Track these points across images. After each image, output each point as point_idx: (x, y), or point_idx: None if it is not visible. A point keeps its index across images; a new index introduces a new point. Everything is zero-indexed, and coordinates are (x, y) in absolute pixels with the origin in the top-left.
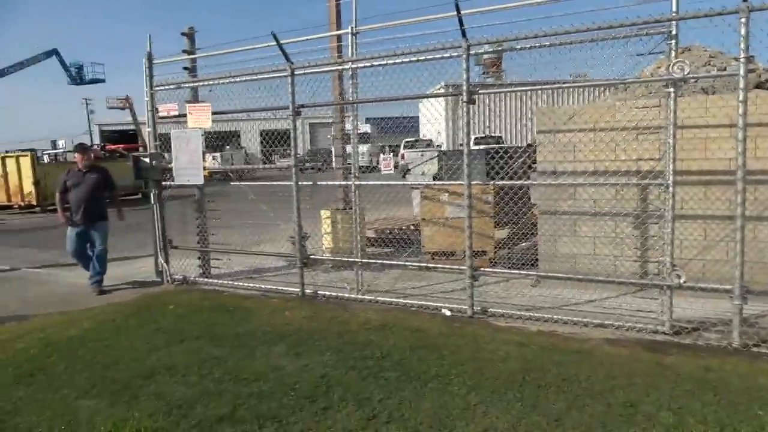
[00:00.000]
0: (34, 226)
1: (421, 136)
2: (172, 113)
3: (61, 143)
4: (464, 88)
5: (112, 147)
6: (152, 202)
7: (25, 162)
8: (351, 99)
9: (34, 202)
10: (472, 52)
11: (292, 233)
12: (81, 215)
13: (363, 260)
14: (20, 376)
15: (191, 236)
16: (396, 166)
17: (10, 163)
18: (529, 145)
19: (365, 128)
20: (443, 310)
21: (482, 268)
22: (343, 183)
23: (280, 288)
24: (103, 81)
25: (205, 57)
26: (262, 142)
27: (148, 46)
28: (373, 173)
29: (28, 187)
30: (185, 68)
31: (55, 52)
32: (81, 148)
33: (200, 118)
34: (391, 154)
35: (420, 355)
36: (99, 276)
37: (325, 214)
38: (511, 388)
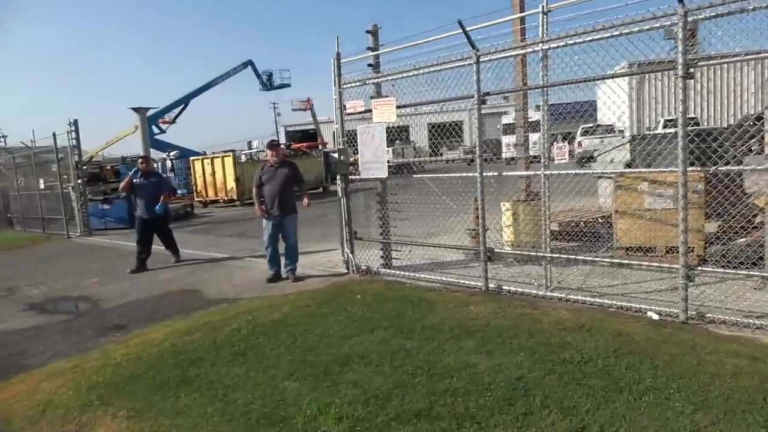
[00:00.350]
0: (236, 218)
1: (599, 121)
2: (359, 109)
3: (255, 144)
4: (679, 60)
5: (297, 145)
6: (339, 195)
7: (228, 161)
8: (541, 83)
9: (235, 197)
10: (690, 18)
11: (469, 226)
12: (276, 207)
13: (551, 255)
14: (236, 355)
15: (373, 228)
16: (571, 154)
17: (217, 163)
18: (740, 125)
19: (536, 116)
20: (649, 313)
21: (698, 267)
22: (531, 173)
23: (462, 281)
24: (289, 86)
25: (389, 52)
26: (430, 136)
27: (336, 47)
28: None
29: (231, 183)
30: (370, 65)
31: (250, 63)
32: (271, 144)
33: (385, 113)
34: (565, 142)
35: (628, 363)
36: (293, 264)
37: (505, 206)
38: (750, 409)
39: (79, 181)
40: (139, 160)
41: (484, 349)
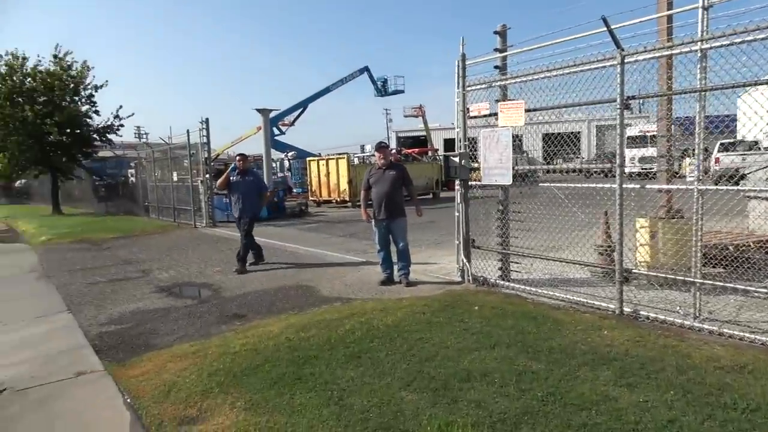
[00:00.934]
0: (348, 219)
1: (740, 136)
2: (483, 112)
3: (367, 147)
4: None
5: (408, 151)
6: (457, 201)
7: (342, 163)
8: (698, 86)
9: (347, 198)
10: None
11: (597, 241)
12: (383, 210)
13: (702, 281)
14: (350, 357)
15: (491, 237)
16: (706, 172)
17: (332, 165)
18: None
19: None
20: None
21: None
22: (682, 187)
23: (591, 302)
24: (403, 92)
25: (519, 53)
26: (544, 146)
27: (461, 48)
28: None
29: (344, 184)
30: (496, 67)
31: (366, 69)
32: (379, 146)
33: (513, 116)
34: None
35: None
36: (406, 269)
37: (641, 222)
38: None
39: (207, 175)
40: (237, 158)
41: (624, 381)
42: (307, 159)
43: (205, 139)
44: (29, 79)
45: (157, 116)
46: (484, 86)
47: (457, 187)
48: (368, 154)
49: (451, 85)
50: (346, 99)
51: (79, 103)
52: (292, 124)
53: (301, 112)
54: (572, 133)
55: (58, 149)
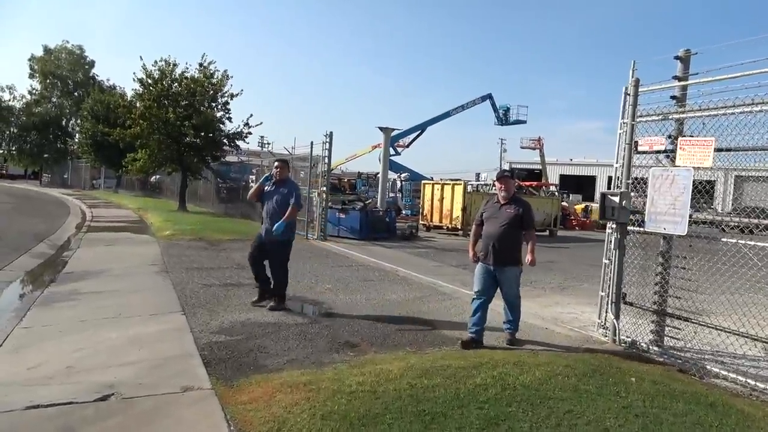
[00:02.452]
0: (459, 248)
1: None
2: (656, 147)
3: (483, 176)
4: None
5: (527, 183)
6: (610, 246)
7: (458, 190)
8: None
9: (459, 226)
10: None
11: None
12: (491, 255)
13: None
14: (486, 423)
15: (639, 291)
16: None
17: (447, 190)
18: None
19: None
20: None
21: None
22: None
23: None
24: (524, 122)
25: (710, 82)
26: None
27: (630, 73)
28: None
29: (457, 211)
30: (673, 97)
31: (489, 96)
32: (502, 176)
33: (697, 155)
34: None
35: None
36: (514, 324)
37: None
38: None
39: (324, 188)
40: (275, 164)
41: None
42: (422, 182)
43: (327, 152)
44: (176, 84)
45: (277, 128)
46: (658, 118)
47: (608, 230)
48: (483, 182)
49: (571, 120)
50: (459, 126)
51: (215, 109)
52: (408, 145)
53: (419, 135)
54: (706, 181)
55: (191, 150)
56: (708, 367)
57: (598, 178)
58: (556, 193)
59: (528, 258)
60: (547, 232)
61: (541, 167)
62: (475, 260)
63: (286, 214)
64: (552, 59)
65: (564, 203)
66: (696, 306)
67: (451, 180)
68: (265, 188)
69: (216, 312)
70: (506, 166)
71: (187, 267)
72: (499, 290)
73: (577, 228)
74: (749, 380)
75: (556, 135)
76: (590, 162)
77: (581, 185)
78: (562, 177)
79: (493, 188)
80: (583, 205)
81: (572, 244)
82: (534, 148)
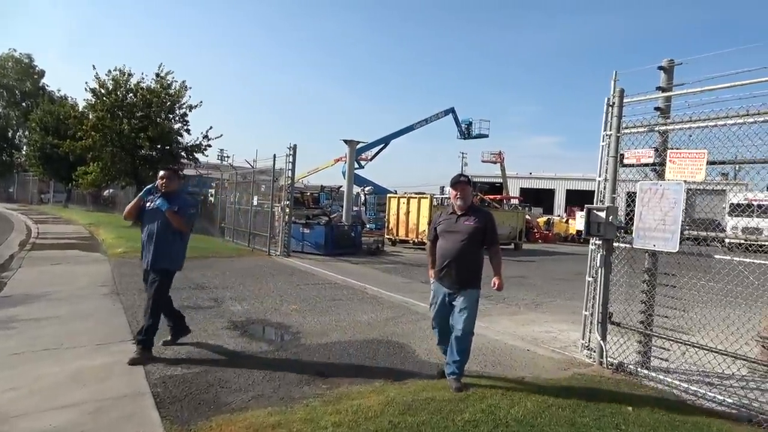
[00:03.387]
0: (424, 263)
1: None
2: (644, 160)
3: (447, 189)
4: None
5: (491, 197)
6: (595, 264)
7: (425, 203)
8: None
9: (426, 240)
10: None
11: (763, 332)
12: (447, 275)
13: None
14: None
15: (633, 312)
16: None
17: (413, 204)
18: None
19: None
20: None
21: None
22: None
23: None
24: (487, 136)
25: (697, 92)
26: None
27: (612, 84)
28: None
29: (423, 225)
30: (657, 108)
31: (452, 111)
32: (458, 181)
33: (688, 168)
34: None
35: None
36: (457, 367)
37: None
38: None
39: (287, 202)
40: (160, 173)
41: None
42: (388, 195)
43: (290, 165)
44: (131, 94)
45: (239, 142)
46: (643, 130)
47: (592, 247)
48: (447, 195)
49: (527, 135)
50: (422, 139)
51: (172, 120)
52: (371, 159)
53: (382, 148)
54: None
55: (146, 163)
56: (701, 390)
57: (556, 191)
58: (519, 207)
59: (494, 282)
60: (512, 246)
61: (502, 181)
62: (437, 279)
63: (180, 225)
64: (509, 76)
65: (527, 216)
66: (684, 324)
67: (417, 193)
68: (147, 204)
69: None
70: None
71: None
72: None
73: (540, 241)
74: (743, 401)
75: (515, 150)
76: (549, 176)
77: (540, 198)
78: (522, 190)
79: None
80: (545, 218)
81: (538, 258)
82: (495, 162)
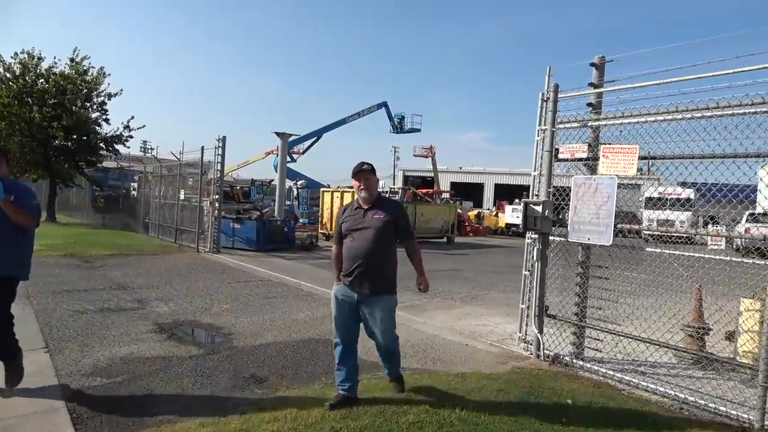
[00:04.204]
0: None
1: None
2: (578, 155)
3: (381, 183)
4: None
5: (424, 190)
6: (531, 257)
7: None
8: None
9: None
10: None
11: (688, 321)
12: (356, 278)
13: None
14: None
15: (557, 300)
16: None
17: (346, 197)
18: None
19: (687, 193)
20: None
21: None
22: None
23: (710, 405)
24: (419, 130)
25: (628, 89)
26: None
27: (546, 80)
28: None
29: None
30: (589, 104)
31: (384, 105)
32: (360, 170)
33: (620, 164)
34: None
35: None
36: (395, 368)
37: (748, 304)
38: None
39: (216, 196)
40: None
41: None
42: (322, 190)
43: (219, 158)
44: (42, 80)
45: (159, 132)
46: (576, 125)
47: (528, 240)
48: (381, 190)
49: (458, 130)
50: (355, 133)
51: (90, 109)
52: (304, 152)
53: (315, 141)
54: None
55: (61, 154)
56: (635, 380)
57: (485, 185)
58: (451, 201)
59: (419, 282)
60: (444, 239)
61: (433, 175)
62: (338, 282)
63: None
64: (440, 73)
65: (459, 210)
66: (616, 315)
67: (350, 187)
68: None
69: (90, 346)
70: (400, 174)
71: (55, 290)
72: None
73: (471, 234)
74: (675, 392)
75: (447, 144)
76: (478, 170)
77: (470, 192)
78: (453, 184)
79: (360, 191)
80: (476, 212)
81: (470, 251)
82: (426, 156)
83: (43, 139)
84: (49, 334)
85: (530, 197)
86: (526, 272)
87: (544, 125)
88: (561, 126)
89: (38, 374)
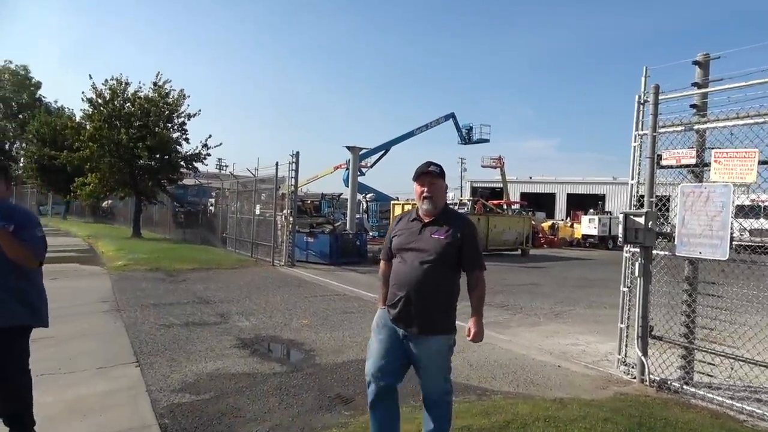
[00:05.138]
0: None
1: None
2: (685, 161)
3: (450, 195)
4: None
5: (494, 202)
6: (632, 273)
7: None
8: None
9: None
10: None
11: None
12: (403, 311)
13: None
14: None
15: (661, 319)
16: None
17: None
18: None
19: None
20: None
21: None
22: None
23: None
24: (488, 141)
25: (743, 87)
26: None
27: (643, 80)
28: None
29: None
30: (692, 105)
31: (452, 116)
32: (424, 171)
33: (737, 169)
34: None
35: None
36: None
37: None
38: None
39: (291, 211)
40: None
41: None
42: (392, 202)
43: (293, 173)
44: (128, 103)
45: (235, 152)
46: (681, 129)
47: (626, 254)
48: (450, 202)
49: (519, 138)
50: (422, 146)
51: (171, 129)
52: (372, 166)
53: (383, 154)
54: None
55: (145, 173)
56: (758, 410)
57: (557, 195)
58: (524, 211)
59: (469, 330)
60: (519, 251)
61: (502, 185)
62: (383, 307)
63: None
64: (497, 81)
65: (532, 221)
66: (731, 337)
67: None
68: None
69: (177, 361)
70: (467, 185)
71: (143, 303)
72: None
73: (545, 246)
74: None
75: (508, 153)
76: (549, 179)
77: (541, 203)
78: (523, 195)
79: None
80: (549, 223)
81: (547, 263)
82: (495, 167)
83: (129, 159)
84: (138, 348)
85: (628, 207)
86: (625, 289)
87: (643, 129)
88: (663, 130)
89: (131, 389)
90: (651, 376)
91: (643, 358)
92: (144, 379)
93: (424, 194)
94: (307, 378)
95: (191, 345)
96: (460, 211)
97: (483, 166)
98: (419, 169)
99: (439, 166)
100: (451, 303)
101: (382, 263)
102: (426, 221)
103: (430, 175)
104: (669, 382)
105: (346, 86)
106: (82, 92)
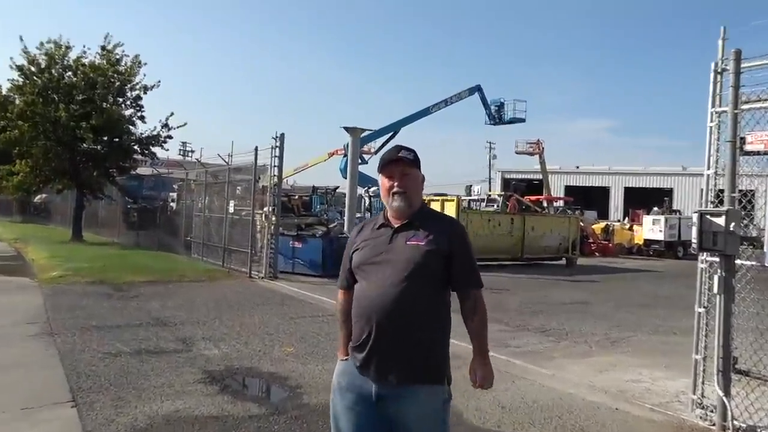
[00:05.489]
0: None
1: None
2: None
3: (476, 189)
4: None
5: (531, 198)
6: (713, 290)
7: (450, 207)
8: None
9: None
10: None
11: None
12: (370, 358)
13: None
14: None
15: (746, 349)
16: None
17: (435, 207)
18: None
19: None
20: None
21: None
22: None
23: None
24: (523, 120)
25: None
26: None
27: (720, 47)
28: None
29: None
30: None
31: (478, 89)
32: (392, 159)
33: None
34: None
35: None
36: None
37: None
38: None
39: (273, 208)
40: None
41: None
42: None
43: (277, 159)
44: (69, 72)
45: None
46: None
47: (702, 265)
48: (477, 196)
49: (566, 118)
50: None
51: (122, 105)
52: (376, 152)
53: (391, 137)
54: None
55: (89, 160)
56: None
57: (612, 189)
58: (569, 210)
59: (474, 372)
60: (563, 261)
61: (542, 177)
62: (344, 357)
63: None
64: (542, 44)
65: (580, 222)
66: None
67: (438, 195)
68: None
69: (125, 400)
70: (497, 176)
71: (82, 326)
72: None
73: (597, 254)
74: None
75: (552, 137)
76: (602, 170)
77: (591, 199)
78: (568, 189)
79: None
80: (602, 224)
81: (599, 276)
82: (533, 154)
83: (69, 142)
84: (76, 383)
85: (704, 205)
86: (701, 309)
87: (721, 106)
88: (747, 106)
89: None
90: (735, 422)
91: (724, 398)
92: (82, 424)
93: (395, 189)
94: (292, 422)
95: (144, 379)
96: (489, 208)
97: (517, 153)
98: (386, 156)
99: (413, 152)
100: (440, 336)
101: (339, 294)
102: (397, 225)
103: (401, 164)
104: (758, 430)
105: (347, 56)
106: (11, 58)
